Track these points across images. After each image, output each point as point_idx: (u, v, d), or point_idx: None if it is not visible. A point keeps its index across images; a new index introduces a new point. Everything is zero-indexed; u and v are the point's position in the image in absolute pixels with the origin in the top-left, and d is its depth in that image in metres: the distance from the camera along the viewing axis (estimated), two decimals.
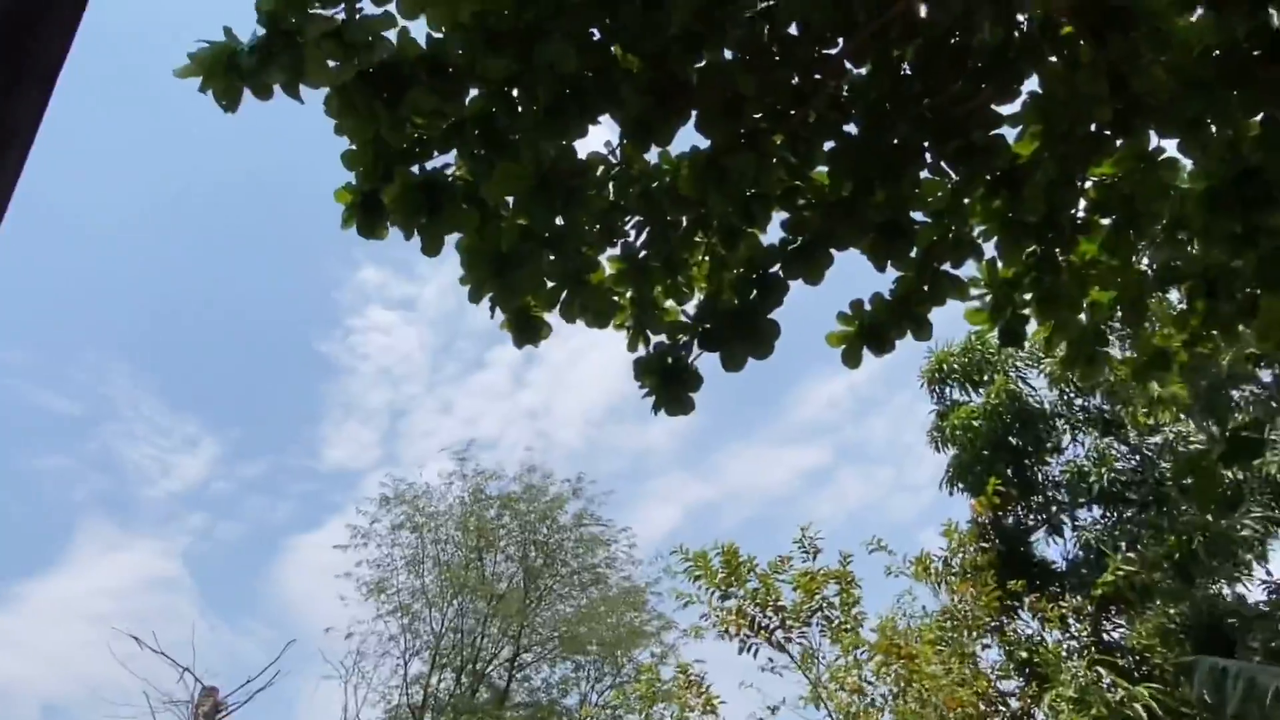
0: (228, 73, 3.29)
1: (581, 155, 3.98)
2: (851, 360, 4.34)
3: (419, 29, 3.59)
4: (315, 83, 3.40)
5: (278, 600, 35.18)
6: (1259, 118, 3.50)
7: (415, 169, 3.85)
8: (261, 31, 3.30)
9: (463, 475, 23.88)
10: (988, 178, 4.08)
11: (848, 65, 3.93)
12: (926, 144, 3.93)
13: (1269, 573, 13.55)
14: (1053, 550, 15.37)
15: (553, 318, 4.23)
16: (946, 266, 4.27)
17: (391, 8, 3.42)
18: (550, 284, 4.07)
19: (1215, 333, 4.56)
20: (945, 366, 15.90)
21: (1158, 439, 14.52)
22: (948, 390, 16.05)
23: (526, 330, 4.16)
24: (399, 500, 23.45)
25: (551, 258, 3.90)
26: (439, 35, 3.56)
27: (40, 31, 0.99)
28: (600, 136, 4.93)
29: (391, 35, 3.50)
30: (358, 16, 3.35)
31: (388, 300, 41.14)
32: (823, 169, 4.12)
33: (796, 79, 3.88)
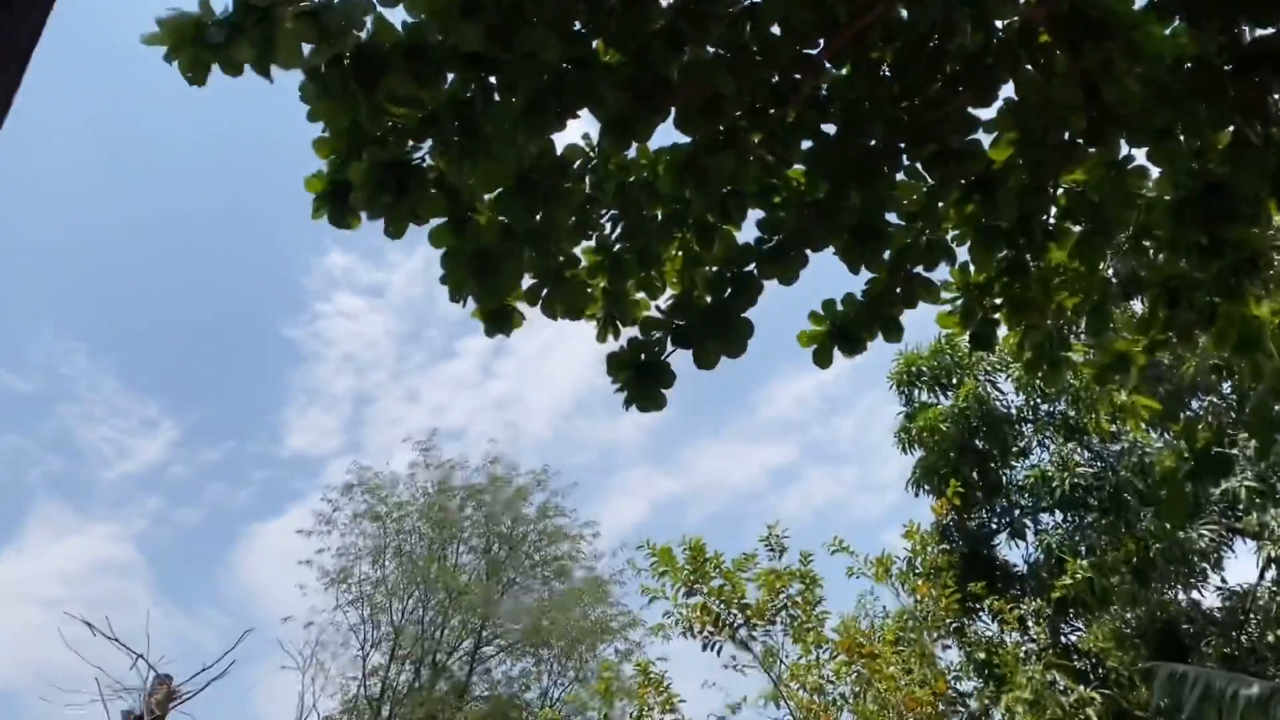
0: (195, 44, 3.23)
1: (558, 147, 3.97)
2: (822, 360, 4.37)
3: (395, 15, 3.57)
4: (287, 64, 3.35)
5: (235, 588, 34.85)
6: (1228, 131, 3.55)
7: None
8: (232, 3, 3.25)
9: (427, 465, 23.78)
10: (962, 182, 4.11)
11: (827, 66, 3.95)
12: (903, 146, 3.96)
13: (1224, 580, 13.81)
14: (1014, 553, 15.57)
15: (524, 305, 4.22)
16: (919, 269, 4.30)
17: None
18: (529, 280, 4.06)
19: (1174, 339, 4.63)
20: (914, 369, 16.02)
21: (1118, 446, 14.74)
22: (916, 392, 16.17)
23: (499, 320, 4.15)
24: (362, 488, 23.31)
25: (530, 254, 3.88)
26: (416, 20, 3.53)
27: (15, 6, 0.96)
28: (576, 128, 4.92)
29: (367, 20, 3.47)
30: (335, 0, 3.31)
31: (355, 286, 40.83)
32: (799, 168, 4.14)
33: (776, 78, 3.89)
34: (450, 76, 3.60)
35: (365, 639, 22.18)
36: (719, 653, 11.80)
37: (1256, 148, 3.38)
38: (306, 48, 3.30)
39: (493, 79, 3.59)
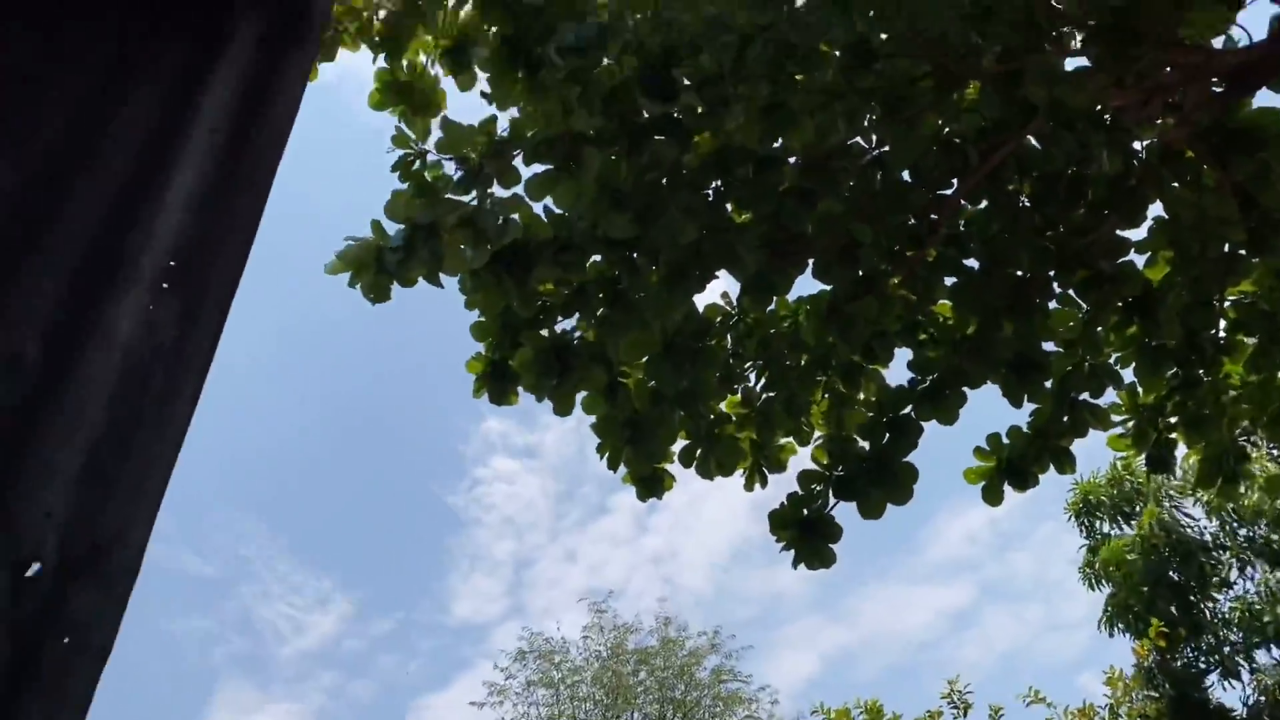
0: (375, 270, 3.53)
1: (699, 307, 4.09)
2: (993, 498, 4.20)
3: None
4: (453, 271, 3.61)
5: None
6: None
7: (544, 333, 4.01)
8: (401, 229, 3.55)
9: (600, 628, 23.52)
10: (1119, 305, 3.99)
11: (963, 203, 3.97)
12: (1052, 274, 3.89)
13: None
14: (1229, 695, 14.01)
15: (674, 464, 4.26)
16: (1085, 396, 4.14)
17: (519, 189, 3.64)
18: (681, 441, 4.12)
19: None
20: (1092, 498, 15.06)
21: None
22: (1097, 523, 15.15)
23: (651, 484, 4.19)
24: (535, 654, 23.17)
25: (679, 416, 3.95)
26: (561, 211, 3.76)
27: (219, 262, 1.08)
28: (715, 286, 5.04)
29: (516, 216, 3.72)
30: (489, 203, 3.56)
31: (511, 449, 41.87)
32: (946, 303, 4.11)
33: (912, 221, 3.92)
34: (595, 257, 3.80)
35: None
36: None
37: None
38: (467, 250, 3.56)
39: (634, 254, 3.76)
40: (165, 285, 0.99)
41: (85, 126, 1.00)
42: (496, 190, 3.59)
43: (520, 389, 4.06)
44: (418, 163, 3.74)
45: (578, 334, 3.98)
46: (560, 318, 4.07)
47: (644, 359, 3.99)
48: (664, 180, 3.58)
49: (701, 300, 4.04)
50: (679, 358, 3.90)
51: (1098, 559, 14.58)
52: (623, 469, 4.17)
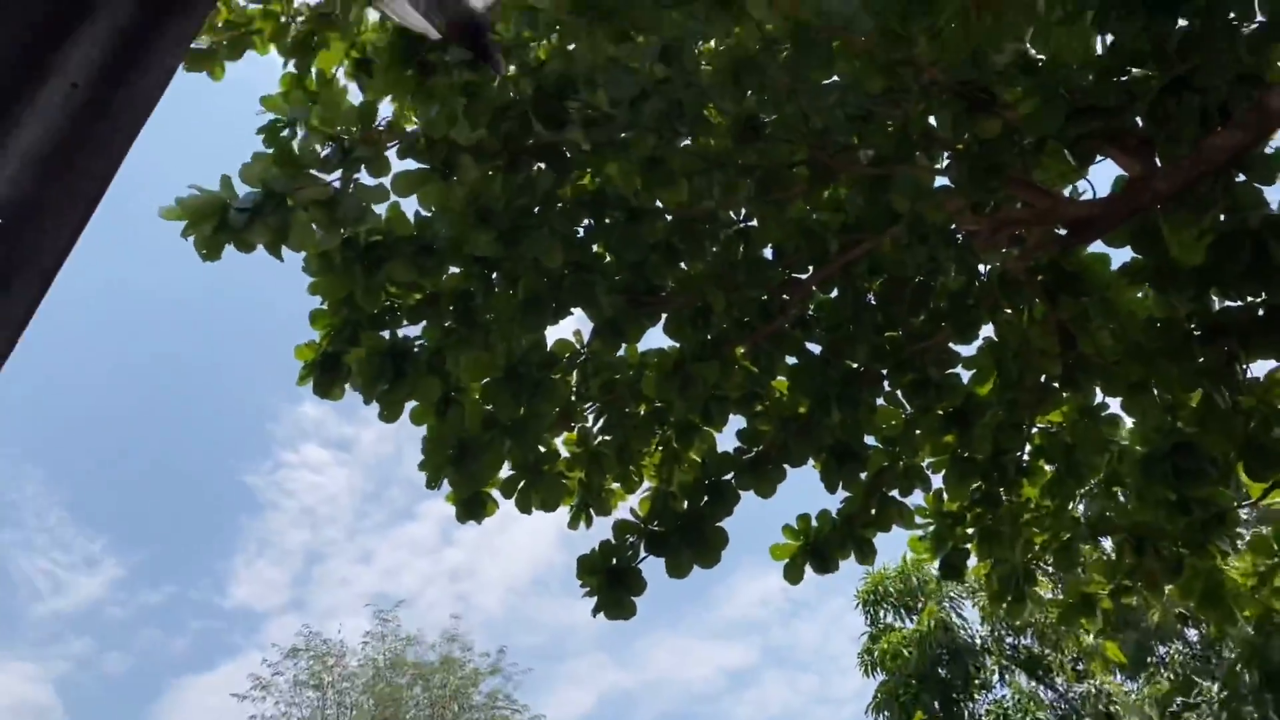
0: (214, 226, 3.33)
1: (549, 342, 4.06)
2: (793, 576, 4.33)
3: (408, 204, 3.73)
4: (299, 249, 3.46)
5: None
6: (1197, 391, 3.68)
7: (385, 335, 3.89)
8: (253, 190, 3.37)
9: (382, 636, 22.73)
10: (940, 413, 4.20)
11: (814, 289, 4.11)
12: (885, 373, 4.07)
13: None
14: None
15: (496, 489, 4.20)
16: (894, 493, 4.33)
17: (386, 181, 3.53)
18: (506, 470, 4.06)
19: (1140, 585, 4.61)
20: (881, 588, 15.81)
21: (1082, 688, 14.39)
22: (881, 612, 15.90)
23: (473, 508, 4.11)
24: (308, 653, 22.18)
25: (509, 444, 3.89)
26: (428, 214, 3.68)
27: (52, 226, 0.99)
28: (567, 324, 5.04)
29: (379, 208, 3.61)
30: (351, 187, 3.44)
31: (325, 438, 40.35)
32: (783, 380, 4.24)
33: (765, 296, 4.04)
34: (453, 268, 3.73)
35: None
36: None
37: (1224, 411, 3.50)
38: (319, 231, 3.42)
39: (494, 274, 3.71)
40: None
41: None
42: (363, 176, 3.47)
43: (348, 386, 3.92)
44: (286, 131, 3.59)
45: (420, 342, 3.88)
46: (406, 322, 3.96)
47: (484, 381, 3.93)
48: (536, 209, 3.56)
49: (552, 333, 4.03)
50: (519, 386, 3.86)
51: (877, 647, 15.29)
52: (445, 487, 4.07)
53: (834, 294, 4.13)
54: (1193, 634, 12.68)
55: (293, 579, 36.50)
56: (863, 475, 4.31)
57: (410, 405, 3.93)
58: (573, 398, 4.23)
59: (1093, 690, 14.00)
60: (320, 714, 21.76)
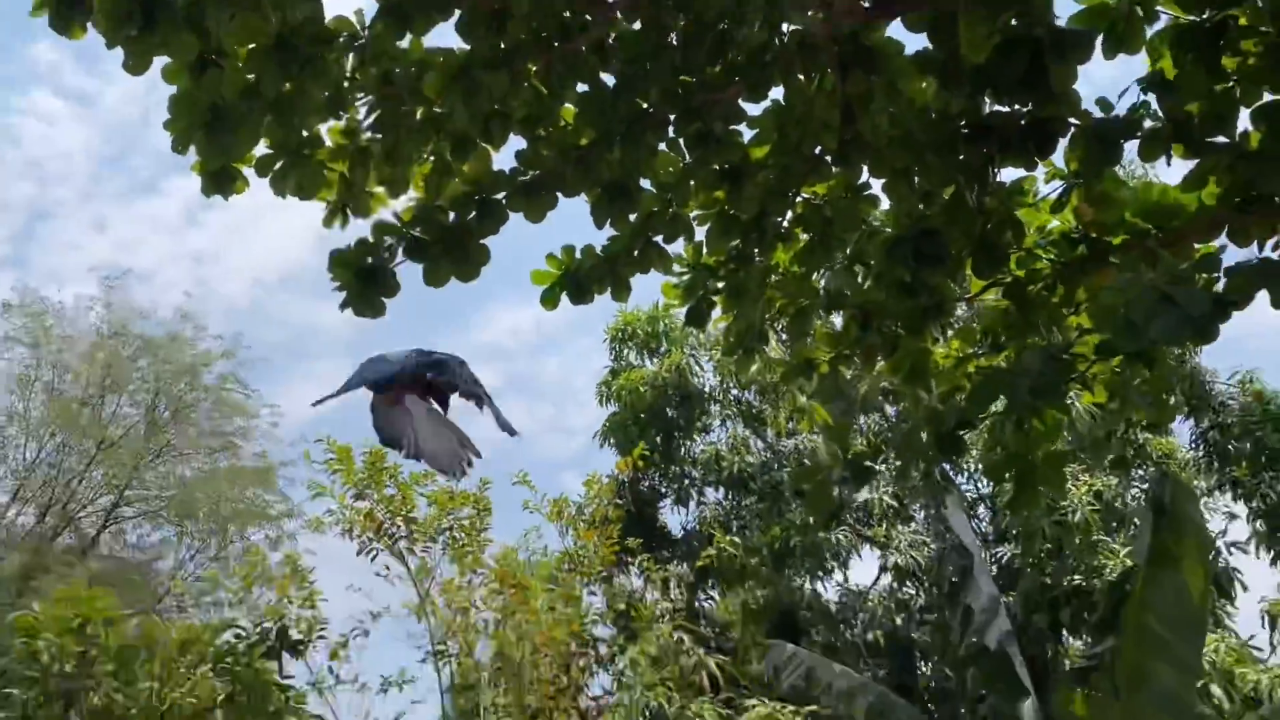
0: None
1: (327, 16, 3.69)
2: (549, 303, 4.42)
3: None
4: None
5: None
6: (951, 187, 3.93)
7: None
8: None
9: (107, 304, 21.48)
10: (716, 167, 4.26)
11: (619, 15, 3.94)
12: (672, 118, 4.04)
13: (845, 579, 15.59)
14: (675, 519, 16.66)
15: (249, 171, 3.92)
16: (659, 239, 4.43)
17: None
18: (263, 148, 3.76)
19: (858, 357, 5.08)
20: (630, 328, 16.62)
21: (790, 443, 16.11)
22: (626, 351, 16.81)
23: (221, 181, 3.82)
24: (22, 309, 20.72)
25: (269, 120, 3.59)
26: None
27: None
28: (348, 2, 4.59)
29: None
30: None
31: (61, 88, 35.82)
32: (570, 108, 4.12)
33: (568, 12, 3.83)
34: None
35: None
36: (373, 560, 11.69)
37: (969, 209, 3.77)
38: None
39: None
40: None
41: None
42: None
43: (90, 26, 3.43)
44: None
45: None
46: None
47: (249, 46, 3.54)
48: None
49: (331, 7, 3.66)
50: (289, 58, 3.52)
51: (617, 382, 16.26)
52: (192, 155, 3.75)
53: (637, 26, 3.98)
54: (891, 409, 14.34)
55: (10, 235, 33.23)
56: (632, 216, 4.36)
57: (163, 63, 3.52)
58: (346, 84, 3.92)
59: (797, 445, 15.74)
60: (34, 373, 20.72)
